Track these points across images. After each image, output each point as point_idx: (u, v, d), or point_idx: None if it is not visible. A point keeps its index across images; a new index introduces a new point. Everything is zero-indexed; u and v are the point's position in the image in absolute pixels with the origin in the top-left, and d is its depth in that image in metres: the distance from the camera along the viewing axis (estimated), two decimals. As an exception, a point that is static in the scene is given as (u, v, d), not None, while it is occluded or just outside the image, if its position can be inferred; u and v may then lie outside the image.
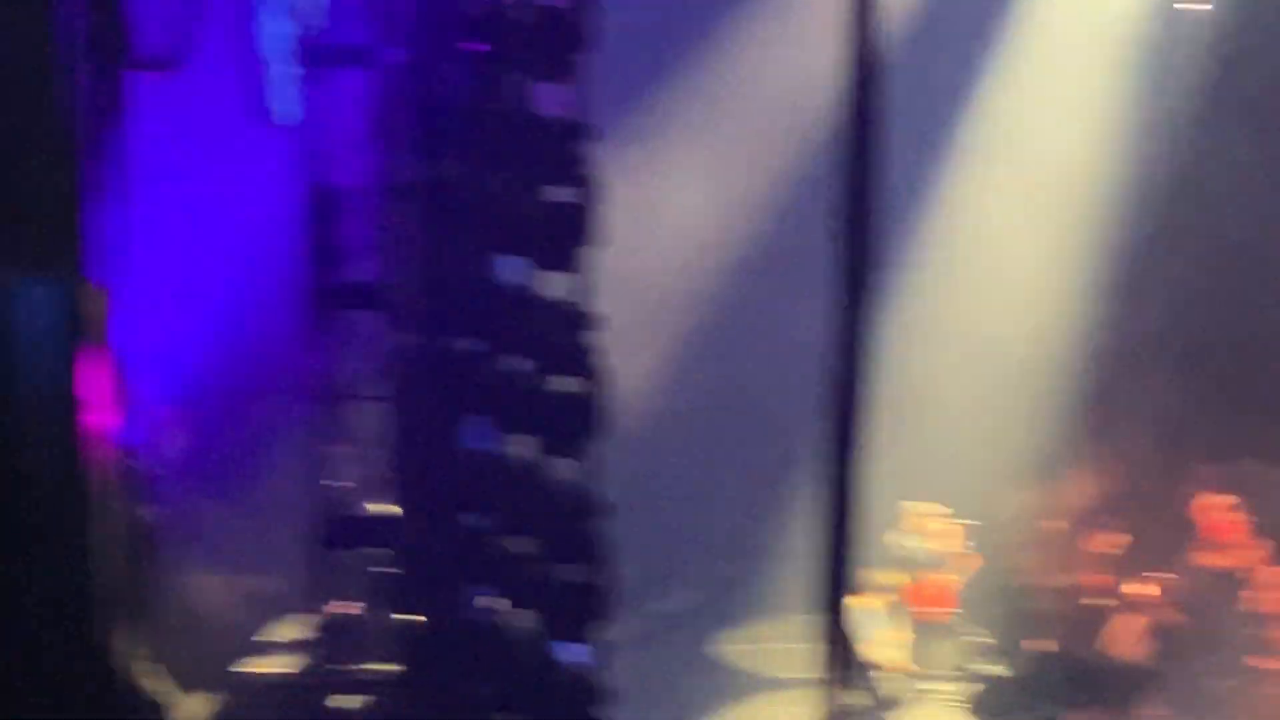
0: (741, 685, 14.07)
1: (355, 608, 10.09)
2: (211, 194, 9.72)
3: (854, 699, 6.93)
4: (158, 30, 7.68)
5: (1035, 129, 15.01)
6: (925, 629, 14.11)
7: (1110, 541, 14.65)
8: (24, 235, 6.69)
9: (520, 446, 9.14)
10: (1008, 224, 15.10)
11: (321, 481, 9.95)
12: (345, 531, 9.94)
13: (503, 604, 9.08)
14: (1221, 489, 14.42)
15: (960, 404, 15.12)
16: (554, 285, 9.11)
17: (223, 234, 9.81)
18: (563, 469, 8.96)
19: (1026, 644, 14.24)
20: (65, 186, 6.52)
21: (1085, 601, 14.43)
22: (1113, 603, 14.26)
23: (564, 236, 8.98)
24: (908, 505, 14.04)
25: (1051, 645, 14.16)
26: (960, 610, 14.22)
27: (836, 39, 6.42)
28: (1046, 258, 15.11)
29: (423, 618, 9.29)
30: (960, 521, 14.21)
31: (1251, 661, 13.72)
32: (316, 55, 10.12)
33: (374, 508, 9.89)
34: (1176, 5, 15.17)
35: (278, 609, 10.75)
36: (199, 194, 9.57)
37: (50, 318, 6.68)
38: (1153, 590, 14.18)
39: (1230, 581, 14.02)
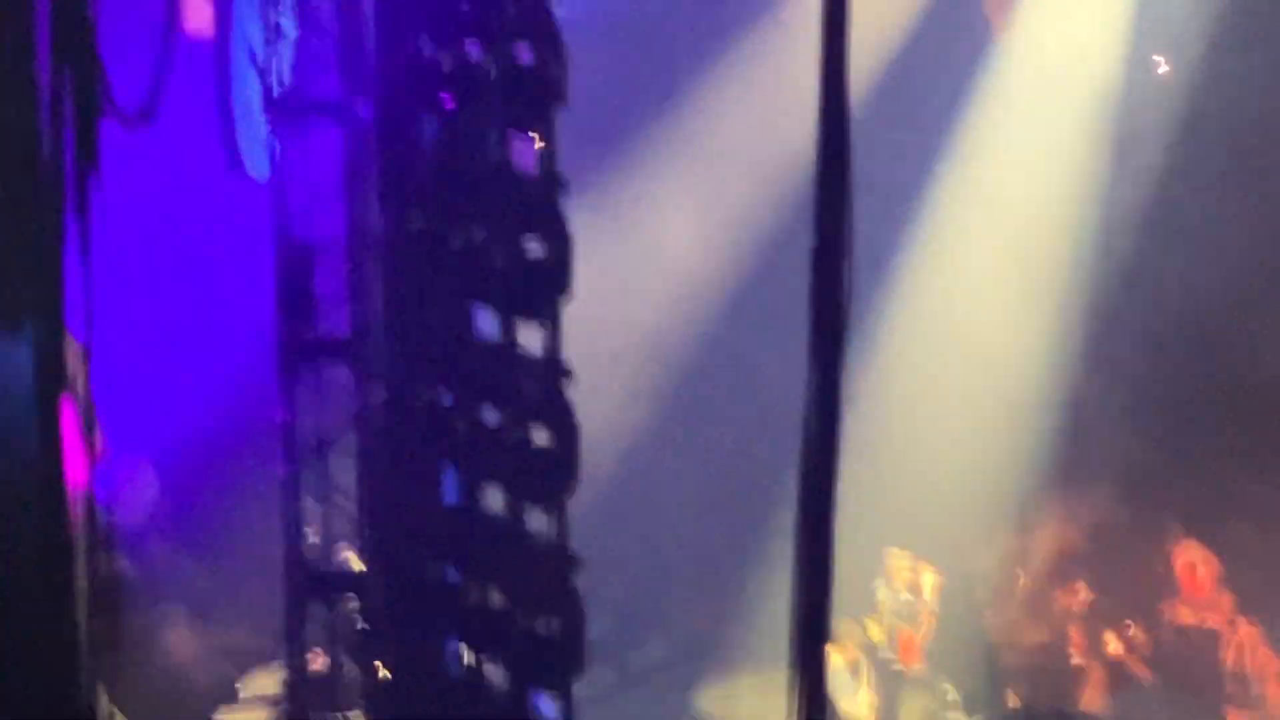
0: (716, 737, 14.07)
1: (327, 660, 10.08)
2: (185, 247, 9.75)
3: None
4: (132, 84, 7.70)
5: (1008, 181, 15.11)
6: (899, 680, 14.13)
7: (1083, 594, 14.68)
8: (1, 288, 6.70)
9: (493, 498, 9.14)
10: (982, 275, 15.18)
11: (294, 534, 9.94)
12: (317, 584, 9.95)
13: (475, 656, 9.07)
14: (1197, 543, 14.47)
15: (935, 453, 15.16)
16: (527, 337, 9.13)
17: (196, 287, 9.83)
18: (536, 521, 8.96)
19: (998, 697, 14.26)
20: (42, 239, 6.54)
21: (1058, 655, 14.46)
22: (1086, 657, 14.29)
23: (536, 288, 9.00)
24: (886, 553, 14.07)
25: (1023, 699, 14.18)
26: (932, 662, 14.23)
27: (809, 89, 6.46)
28: (1020, 309, 15.19)
29: (395, 670, 9.28)
30: (934, 571, 14.24)
31: (1226, 717, 13.76)
32: (288, 109, 10.17)
33: (346, 560, 9.89)
34: (1151, 57, 15.32)
35: (250, 661, 10.73)
36: (172, 247, 9.60)
37: (25, 370, 6.69)
38: (1126, 644, 14.21)
39: (1204, 637, 14.06)
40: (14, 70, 6.72)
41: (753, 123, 13.78)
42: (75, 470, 6.71)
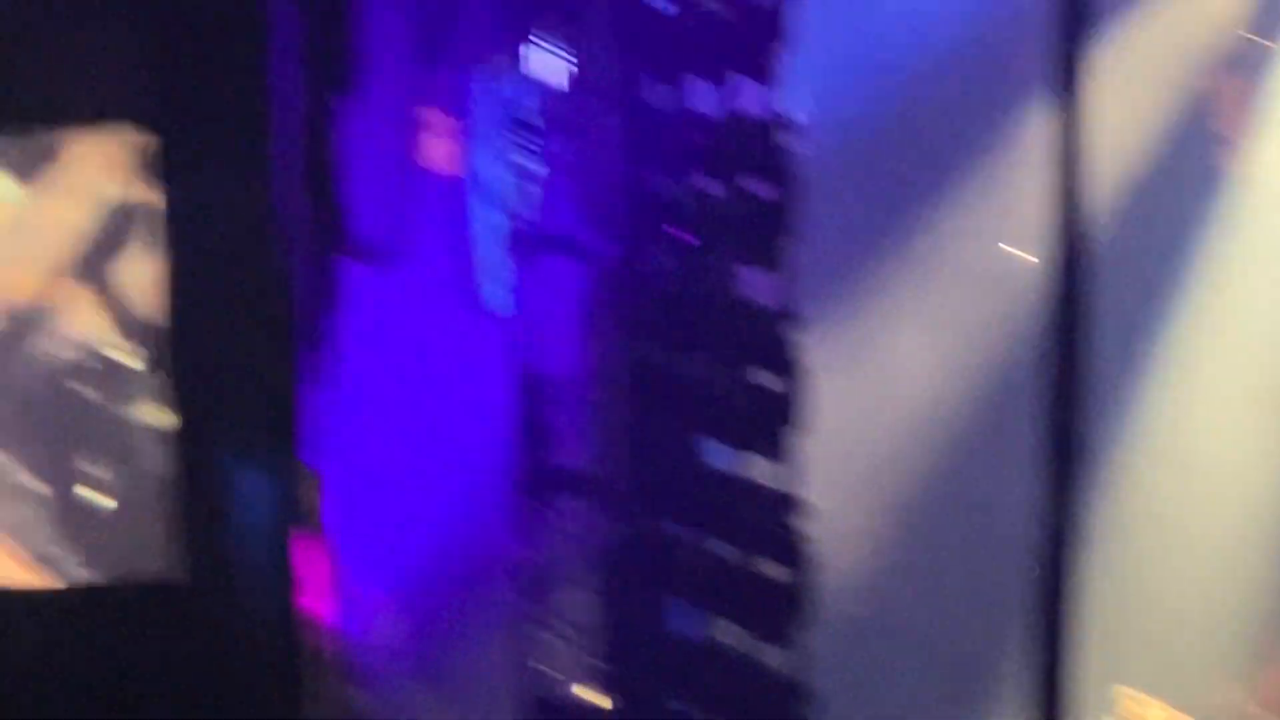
0: None
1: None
2: (423, 381, 9.86)
3: None
4: (373, 219, 7.84)
5: (1252, 312, 14.80)
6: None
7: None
8: (240, 419, 6.83)
9: (727, 633, 9.10)
10: (1222, 406, 14.86)
11: (530, 667, 9.95)
12: (554, 717, 9.93)
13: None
14: None
15: (1171, 586, 14.83)
16: (761, 470, 9.11)
17: (434, 421, 9.93)
18: (770, 656, 8.90)
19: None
20: (281, 371, 6.66)
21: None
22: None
23: (771, 421, 8.99)
24: (1120, 691, 13.77)
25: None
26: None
27: (1044, 217, 6.40)
28: (1262, 441, 14.84)
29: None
30: (1174, 711, 13.90)
31: None
32: (527, 244, 10.28)
33: (582, 693, 9.88)
34: None
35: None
36: (411, 381, 9.71)
37: (265, 502, 6.80)
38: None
39: None
40: (255, 204, 6.87)
41: (988, 249, 13.68)
42: (312, 602, 6.78)
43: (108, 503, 6.94)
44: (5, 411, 6.94)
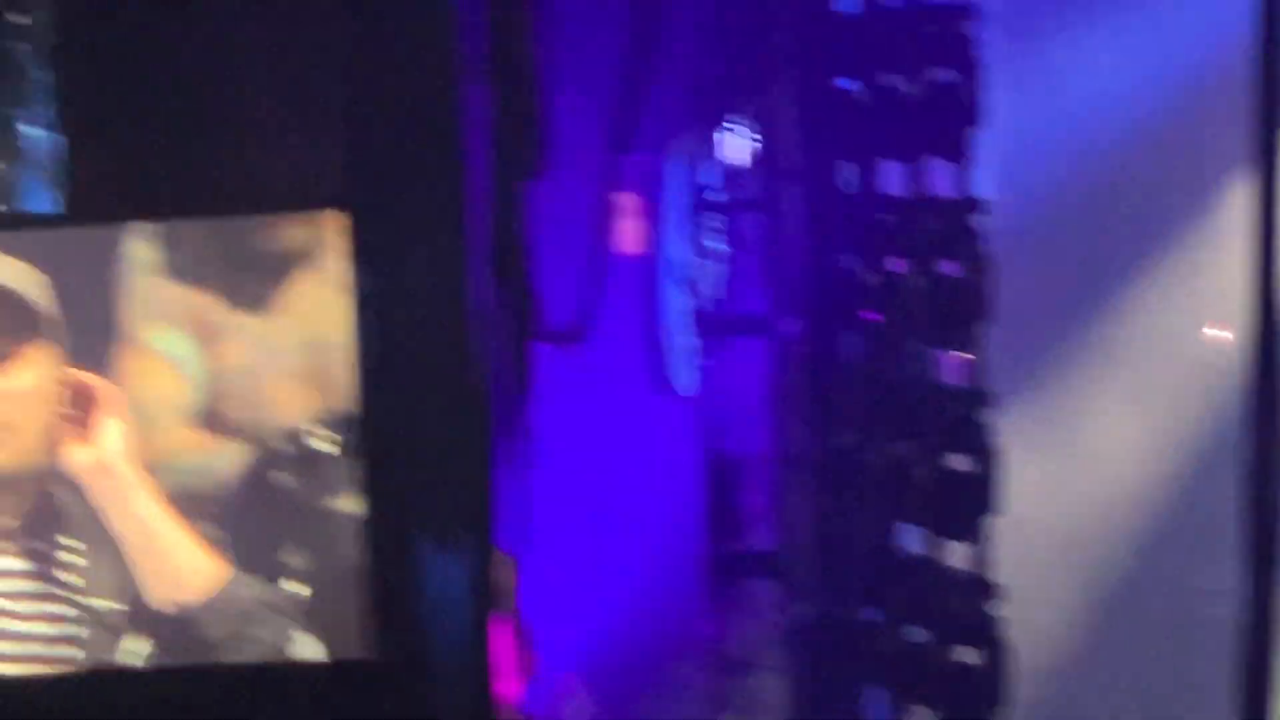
0: None
1: None
2: (613, 463, 9.88)
3: None
4: (563, 302, 7.88)
5: None
6: None
7: None
8: (434, 503, 6.87)
9: (920, 718, 9.00)
10: None
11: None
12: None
13: None
14: None
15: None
16: (954, 554, 9.01)
17: (624, 501, 9.94)
18: (965, 742, 8.79)
19: None
20: (475, 455, 6.70)
21: None
22: None
23: (964, 504, 8.89)
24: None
25: None
26: None
27: (1243, 294, 6.32)
28: None
29: None
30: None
31: None
32: (715, 325, 10.28)
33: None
34: None
35: None
36: (601, 463, 9.73)
37: (460, 585, 6.83)
38: None
39: None
40: (449, 288, 6.93)
41: (1185, 327, 13.48)
42: (507, 685, 6.79)
43: (304, 590, 6.99)
44: (216, 504, 7.01)
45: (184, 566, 6.90)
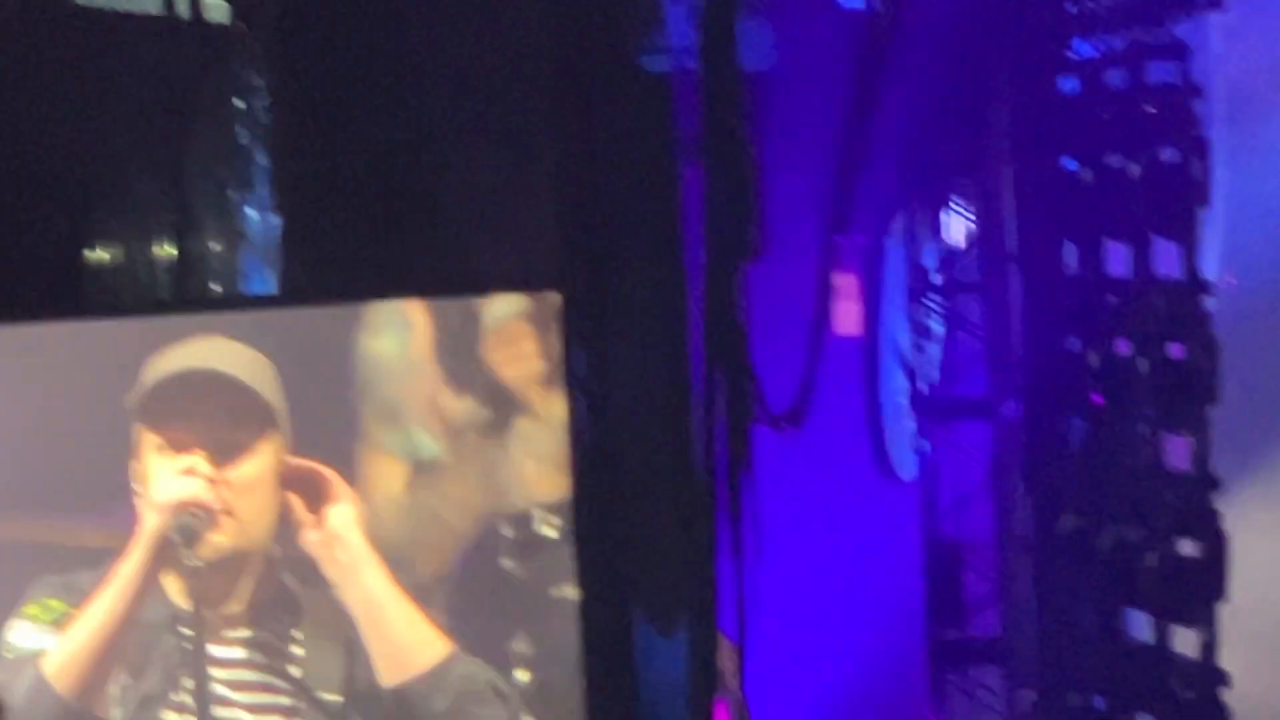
0: None
1: None
2: (832, 546, 9.81)
3: None
4: (781, 386, 7.85)
5: None
6: None
7: None
8: (656, 587, 6.85)
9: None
10: None
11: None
12: None
13: None
14: None
15: None
16: (1181, 641, 8.85)
17: (844, 586, 9.87)
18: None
19: None
20: (696, 542, 6.67)
21: None
22: None
23: (1192, 590, 8.72)
24: None
25: None
26: None
27: None
28: None
29: None
30: None
31: None
32: (936, 409, 10.20)
33: None
34: None
35: None
36: (820, 546, 9.67)
37: (682, 669, 6.80)
38: None
39: None
40: (669, 373, 6.92)
41: None
42: (727, 771, 6.75)
43: (525, 674, 6.98)
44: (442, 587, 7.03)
45: (410, 641, 6.92)
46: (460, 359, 7.00)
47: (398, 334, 7.03)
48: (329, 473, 6.88)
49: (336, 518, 6.86)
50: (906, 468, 10.32)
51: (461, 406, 6.99)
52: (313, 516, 6.85)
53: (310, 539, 6.88)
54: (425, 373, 7.00)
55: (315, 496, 6.87)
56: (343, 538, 6.87)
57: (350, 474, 6.95)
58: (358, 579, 6.89)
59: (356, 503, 6.89)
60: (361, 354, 7.02)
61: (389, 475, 7.00)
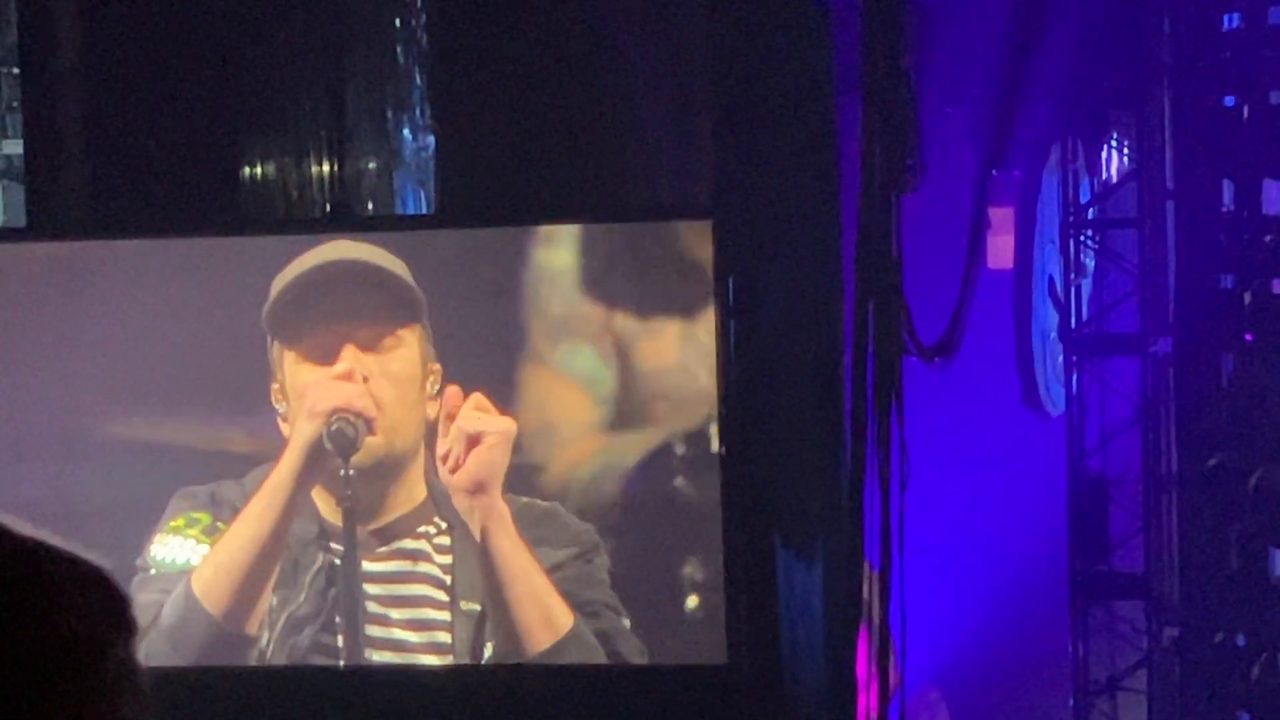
0: None
1: None
2: (978, 478, 9.83)
3: None
4: (932, 318, 7.85)
5: None
6: None
7: None
8: (801, 513, 6.90)
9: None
10: None
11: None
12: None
13: None
14: None
15: None
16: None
17: (989, 518, 9.89)
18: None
19: None
20: (843, 470, 6.70)
21: None
22: None
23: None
24: None
25: None
26: None
27: None
28: None
29: None
30: None
31: None
32: (1086, 344, 10.17)
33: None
34: None
35: None
36: (966, 478, 9.69)
37: (824, 595, 6.85)
38: None
39: None
40: (822, 302, 6.95)
41: None
42: (868, 697, 6.80)
43: (693, 602, 6.93)
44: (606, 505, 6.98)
45: (532, 618, 6.84)
46: (628, 281, 6.98)
47: (574, 251, 6.99)
48: (490, 420, 6.84)
49: (486, 468, 6.82)
50: (1055, 402, 10.31)
51: (629, 326, 6.94)
52: (468, 458, 6.81)
53: (458, 482, 6.84)
54: (596, 292, 6.96)
55: (474, 439, 6.82)
56: (487, 488, 6.82)
57: (512, 394, 6.93)
58: (491, 539, 6.85)
59: (516, 447, 6.83)
60: (536, 269, 6.97)
61: (558, 393, 6.96)
